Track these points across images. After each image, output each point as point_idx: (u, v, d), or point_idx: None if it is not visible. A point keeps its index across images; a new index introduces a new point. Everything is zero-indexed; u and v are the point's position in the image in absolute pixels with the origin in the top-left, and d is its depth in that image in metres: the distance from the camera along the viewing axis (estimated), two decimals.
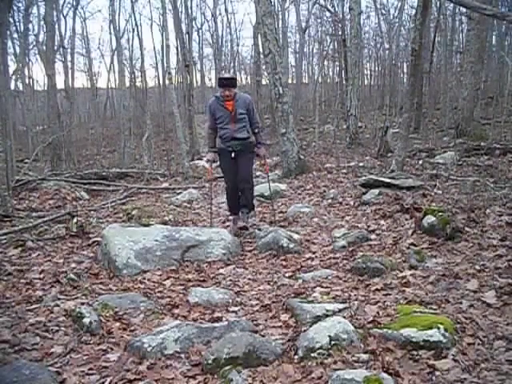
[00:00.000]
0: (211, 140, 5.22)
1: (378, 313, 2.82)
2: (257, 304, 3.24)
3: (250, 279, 3.77)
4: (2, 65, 6.72)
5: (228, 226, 5.39)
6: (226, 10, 27.88)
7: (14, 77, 14.47)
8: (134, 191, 8.01)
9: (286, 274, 3.81)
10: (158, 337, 2.61)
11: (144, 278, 3.79)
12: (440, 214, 4.17)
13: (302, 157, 8.77)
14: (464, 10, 14.00)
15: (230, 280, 3.76)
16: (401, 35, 24.61)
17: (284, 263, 4.11)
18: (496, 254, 3.53)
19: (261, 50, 12.02)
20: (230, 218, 5.42)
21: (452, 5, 17.42)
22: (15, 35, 17.75)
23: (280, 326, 2.82)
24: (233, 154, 4.98)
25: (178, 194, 7.69)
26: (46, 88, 14.50)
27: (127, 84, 19.35)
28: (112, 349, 2.65)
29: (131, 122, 16.43)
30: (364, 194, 6.05)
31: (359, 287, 3.34)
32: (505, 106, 13.49)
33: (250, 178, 5.13)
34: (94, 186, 8.50)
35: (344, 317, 2.71)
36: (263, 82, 18.20)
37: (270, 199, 6.15)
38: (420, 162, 8.62)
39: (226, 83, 4.90)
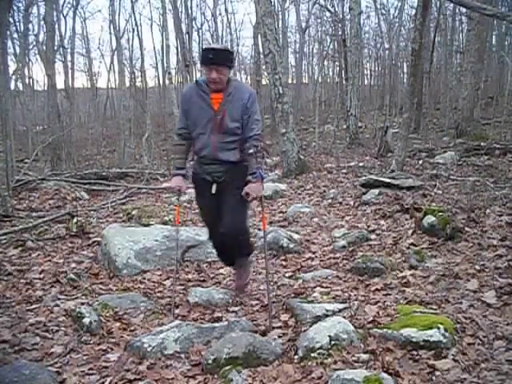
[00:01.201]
0: (179, 154, 3.16)
1: (378, 313, 2.82)
2: (257, 304, 3.24)
3: (249, 279, 3.77)
4: (2, 65, 6.71)
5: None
6: (226, 10, 27.84)
7: (14, 77, 14.46)
8: (133, 191, 8.01)
9: (286, 274, 3.81)
10: (157, 337, 2.61)
11: (144, 278, 3.79)
12: (440, 213, 4.17)
13: (301, 157, 8.77)
14: (464, 10, 14.01)
15: (230, 280, 3.76)
16: (401, 35, 24.62)
17: (284, 263, 4.11)
18: (496, 254, 3.54)
19: (261, 50, 12.03)
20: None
21: (452, 5, 17.43)
22: (15, 35, 17.78)
23: (280, 326, 2.82)
24: (213, 188, 3.04)
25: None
26: (46, 88, 14.52)
27: (127, 84, 19.36)
28: (112, 349, 2.66)
29: (131, 122, 16.42)
30: (364, 193, 6.05)
31: (359, 287, 3.34)
32: (505, 106, 13.48)
33: (243, 229, 3.15)
34: (94, 186, 8.49)
35: (344, 317, 2.71)
36: (263, 82, 18.19)
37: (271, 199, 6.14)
38: (420, 161, 8.62)
39: (214, 58, 2.84)
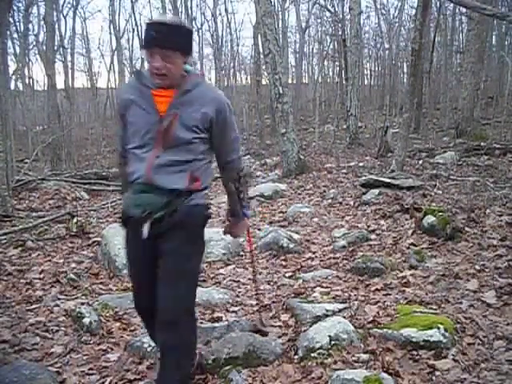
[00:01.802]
0: (125, 177, 2.14)
1: (378, 313, 2.82)
2: (257, 304, 3.23)
3: (250, 279, 3.77)
4: (2, 65, 6.72)
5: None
6: (226, 10, 27.76)
7: (13, 77, 14.48)
8: None
9: (286, 274, 3.81)
10: None
11: None
12: (440, 213, 4.17)
13: (301, 157, 8.77)
14: (464, 10, 14.01)
15: (230, 280, 3.76)
16: (401, 35, 24.65)
17: (284, 263, 4.10)
18: (496, 253, 3.54)
19: (261, 50, 12.02)
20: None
21: (452, 5, 17.44)
22: (15, 35, 17.81)
23: (280, 326, 2.82)
24: (145, 228, 1.95)
25: None
26: (45, 88, 14.52)
27: None
28: (112, 349, 2.66)
29: None
30: (364, 193, 6.05)
31: (359, 287, 3.34)
32: (505, 106, 13.48)
33: (188, 311, 2.04)
34: (94, 186, 8.49)
35: (344, 317, 2.71)
36: (263, 82, 18.18)
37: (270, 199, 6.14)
38: (420, 161, 8.62)
39: (159, 38, 1.86)
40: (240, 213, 2.27)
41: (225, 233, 2.40)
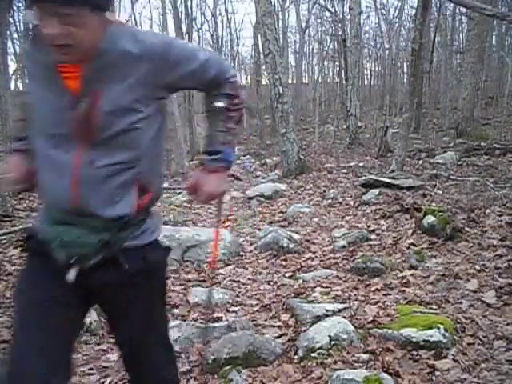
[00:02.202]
0: (19, 126, 1.44)
1: (378, 313, 2.82)
2: (257, 304, 3.24)
3: (249, 279, 3.77)
4: (2, 65, 6.72)
5: (228, 226, 5.36)
6: (226, 10, 27.76)
7: (13, 77, 14.47)
8: None
9: (286, 274, 3.81)
10: None
11: None
12: (440, 213, 4.18)
13: (301, 157, 8.78)
14: (464, 10, 14.02)
15: (230, 280, 3.77)
16: (401, 35, 24.65)
17: (284, 263, 4.10)
18: (496, 253, 3.54)
19: (261, 50, 12.03)
20: None
21: (452, 5, 17.43)
22: (15, 35, 17.79)
23: (280, 326, 2.82)
24: (71, 275, 1.23)
25: (178, 193, 7.69)
26: None
27: None
28: (112, 349, 2.65)
29: None
30: (364, 194, 6.05)
31: (359, 287, 3.34)
32: (505, 106, 13.50)
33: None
34: None
35: (344, 317, 2.71)
36: (263, 82, 18.19)
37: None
38: (420, 161, 8.62)
39: None
40: (221, 151, 1.39)
41: (188, 190, 1.43)
